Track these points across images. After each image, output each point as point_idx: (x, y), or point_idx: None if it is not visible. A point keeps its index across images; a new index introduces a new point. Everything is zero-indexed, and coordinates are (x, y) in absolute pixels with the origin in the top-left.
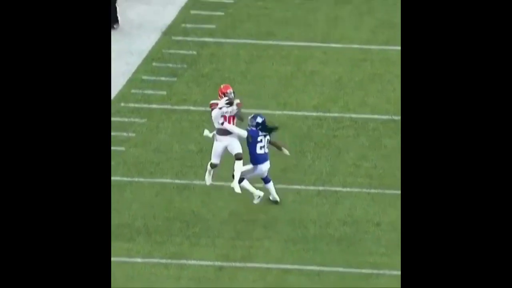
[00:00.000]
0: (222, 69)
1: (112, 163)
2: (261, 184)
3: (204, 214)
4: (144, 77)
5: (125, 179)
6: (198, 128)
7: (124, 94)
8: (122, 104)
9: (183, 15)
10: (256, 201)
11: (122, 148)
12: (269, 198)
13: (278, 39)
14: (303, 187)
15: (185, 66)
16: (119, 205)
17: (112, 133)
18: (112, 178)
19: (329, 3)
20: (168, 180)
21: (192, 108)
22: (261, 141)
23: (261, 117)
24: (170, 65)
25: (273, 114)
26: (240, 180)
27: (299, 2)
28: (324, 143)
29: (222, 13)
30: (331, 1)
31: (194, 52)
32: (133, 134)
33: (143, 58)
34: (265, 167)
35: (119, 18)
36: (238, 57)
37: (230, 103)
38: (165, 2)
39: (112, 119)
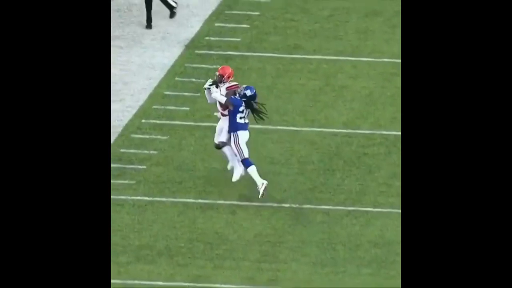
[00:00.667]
0: (248, 84)
1: (133, 181)
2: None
3: (229, 235)
4: (166, 92)
5: (146, 198)
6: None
7: (146, 110)
8: (143, 121)
9: (207, 27)
10: (261, 192)
11: (144, 166)
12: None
13: (305, 52)
14: (332, 207)
15: (209, 81)
16: (140, 226)
17: (133, 151)
18: (133, 197)
19: (359, 15)
20: (191, 200)
21: (216, 124)
22: (242, 111)
23: (252, 90)
24: (194, 79)
25: (300, 130)
26: (219, 146)
27: (327, 14)
28: (354, 161)
29: (248, 26)
30: (361, 13)
31: (219, 66)
32: (155, 152)
33: (165, 73)
34: (246, 135)
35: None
36: (264, 71)
37: (215, 84)
38: (188, 15)
39: (133, 136)
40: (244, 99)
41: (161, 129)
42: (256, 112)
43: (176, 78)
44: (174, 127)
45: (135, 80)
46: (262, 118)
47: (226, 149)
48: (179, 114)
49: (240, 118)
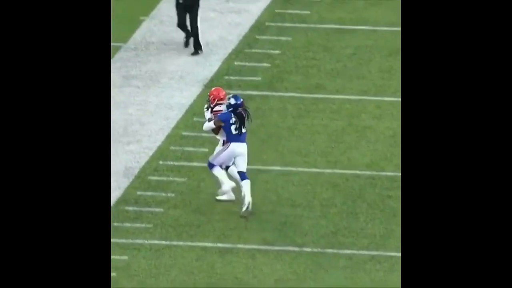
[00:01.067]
0: (268, 124)
1: (150, 225)
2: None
3: (249, 281)
4: (185, 133)
5: (163, 242)
6: (242, 188)
7: (163, 151)
8: (161, 162)
9: (226, 66)
10: (219, 196)
11: (161, 209)
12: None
13: (328, 92)
14: (355, 251)
15: None
16: (157, 271)
17: (150, 193)
18: (150, 241)
19: (383, 54)
20: (210, 244)
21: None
22: (235, 122)
23: (236, 99)
24: None
25: (322, 172)
26: (212, 166)
27: (350, 53)
28: (378, 204)
29: (268, 65)
30: (385, 51)
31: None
32: (173, 194)
33: (183, 113)
34: (238, 148)
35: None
36: (285, 112)
37: (208, 108)
38: (207, 53)
39: (150, 178)
40: (231, 109)
41: (179, 171)
42: (244, 118)
43: (195, 119)
44: (192, 169)
45: (152, 121)
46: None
47: (231, 171)
48: (197, 156)
49: (235, 129)
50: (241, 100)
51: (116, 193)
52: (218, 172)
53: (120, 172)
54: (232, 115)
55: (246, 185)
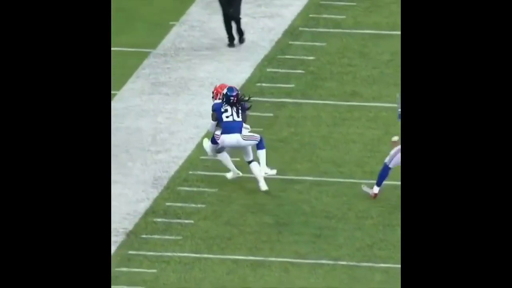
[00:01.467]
0: (302, 133)
1: (179, 237)
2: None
3: None
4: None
5: (193, 255)
6: (274, 199)
7: (193, 160)
8: (191, 172)
9: (259, 73)
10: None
11: (191, 221)
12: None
13: (364, 99)
14: (392, 265)
15: (260, 129)
16: (187, 285)
17: (180, 204)
18: (180, 254)
19: None
20: (241, 257)
21: (268, 176)
22: (226, 110)
23: (230, 90)
24: None
25: (358, 183)
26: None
27: (387, 59)
28: None
29: (302, 71)
30: None
31: (271, 114)
32: (203, 205)
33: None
34: (227, 139)
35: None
36: (320, 120)
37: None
38: (239, 59)
39: (180, 188)
40: (224, 99)
41: (210, 181)
42: (238, 103)
43: None
44: (223, 179)
45: (182, 129)
46: (247, 101)
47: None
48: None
49: (227, 117)
50: (236, 92)
51: (144, 204)
52: (221, 157)
53: (149, 182)
54: (224, 104)
55: (254, 167)
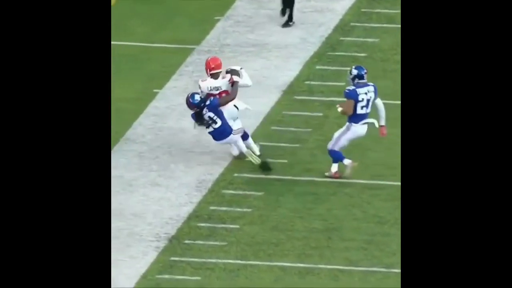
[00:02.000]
0: None
1: (224, 243)
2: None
3: None
4: (262, 143)
5: (239, 262)
6: (324, 203)
7: (238, 162)
8: (236, 175)
9: (307, 70)
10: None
11: (236, 226)
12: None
13: None
14: None
15: (309, 130)
16: None
17: (225, 208)
18: (225, 260)
19: None
20: (289, 264)
21: (317, 179)
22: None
23: (213, 103)
24: (292, 129)
25: None
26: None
27: None
28: None
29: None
30: None
31: (320, 114)
32: (249, 210)
33: (260, 121)
34: (224, 142)
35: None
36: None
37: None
38: (287, 56)
39: (225, 191)
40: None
41: (256, 184)
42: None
43: (272, 127)
44: (270, 181)
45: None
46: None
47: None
48: (276, 167)
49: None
50: (216, 102)
51: (187, 208)
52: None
53: (192, 185)
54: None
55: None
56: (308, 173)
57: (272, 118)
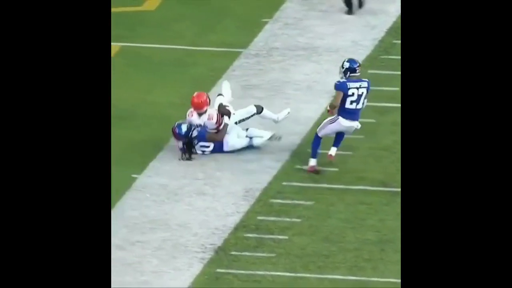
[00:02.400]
0: None
1: (272, 254)
2: None
3: None
4: (310, 151)
5: (287, 274)
6: (377, 213)
7: (287, 171)
8: (285, 183)
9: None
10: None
11: (285, 237)
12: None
13: None
14: None
15: (361, 137)
16: None
17: (273, 218)
18: (273, 272)
19: None
20: (341, 276)
21: (369, 188)
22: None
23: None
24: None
25: None
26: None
27: None
28: None
29: None
30: None
31: (373, 120)
32: (298, 220)
33: (310, 127)
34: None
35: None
36: None
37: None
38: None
39: (273, 201)
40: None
41: (306, 193)
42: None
43: None
44: (320, 191)
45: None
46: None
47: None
48: (326, 176)
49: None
50: (184, 131)
51: (234, 218)
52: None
53: (239, 194)
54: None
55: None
56: (360, 182)
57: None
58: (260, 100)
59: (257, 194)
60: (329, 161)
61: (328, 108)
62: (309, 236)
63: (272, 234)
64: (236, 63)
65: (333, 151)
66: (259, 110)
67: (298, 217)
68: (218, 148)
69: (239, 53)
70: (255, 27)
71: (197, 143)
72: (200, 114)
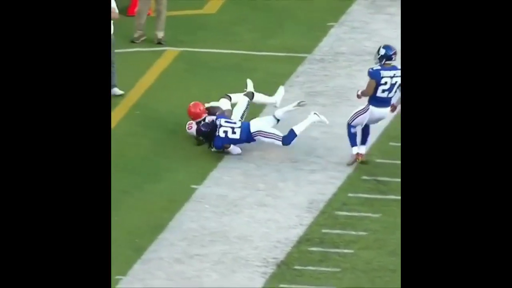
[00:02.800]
0: None
1: (338, 269)
2: None
3: None
4: (379, 160)
5: None
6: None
7: (353, 181)
8: (350, 195)
9: None
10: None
11: (351, 251)
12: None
13: None
14: None
15: None
16: None
17: (338, 231)
18: None
19: None
20: None
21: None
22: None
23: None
24: None
25: None
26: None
27: None
28: None
29: None
30: None
31: None
32: (364, 233)
33: (377, 136)
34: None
35: None
36: None
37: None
38: None
39: (338, 213)
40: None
41: (372, 205)
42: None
43: (391, 143)
44: (387, 202)
45: (340, 146)
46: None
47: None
48: (393, 187)
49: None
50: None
51: (297, 230)
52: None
53: (303, 206)
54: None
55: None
56: None
57: (390, 133)
58: (324, 107)
59: (321, 205)
60: (397, 172)
61: (359, 93)
62: (376, 250)
63: (337, 248)
64: (300, 68)
65: (362, 149)
66: (251, 96)
67: (364, 230)
68: (245, 130)
69: (303, 58)
70: (319, 31)
71: (220, 126)
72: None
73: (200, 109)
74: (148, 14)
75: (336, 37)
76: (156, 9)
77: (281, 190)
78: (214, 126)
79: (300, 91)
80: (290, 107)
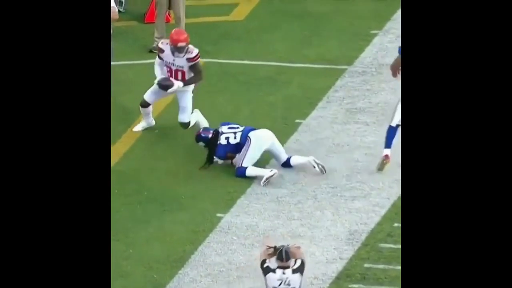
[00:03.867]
0: None
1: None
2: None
3: None
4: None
5: None
6: None
7: (398, 209)
8: (396, 225)
9: None
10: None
11: (396, 287)
12: None
13: None
14: None
15: None
16: None
17: (382, 266)
18: None
19: None
20: None
21: None
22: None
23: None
24: None
25: None
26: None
27: None
28: None
29: None
30: None
31: None
32: None
33: None
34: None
35: None
36: None
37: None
38: None
39: (382, 245)
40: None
41: None
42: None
43: None
44: None
45: (385, 170)
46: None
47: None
48: None
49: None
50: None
51: (337, 265)
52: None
53: (343, 237)
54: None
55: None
56: None
57: None
58: (367, 126)
59: (364, 237)
60: None
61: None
62: None
63: (381, 285)
64: (339, 82)
65: (388, 151)
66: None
67: None
68: (246, 134)
69: (343, 70)
70: (361, 41)
71: (221, 134)
72: (177, 50)
73: (185, 36)
74: (167, 21)
75: (380, 47)
76: (174, 16)
77: (318, 220)
78: (215, 133)
79: (339, 108)
80: (306, 160)
